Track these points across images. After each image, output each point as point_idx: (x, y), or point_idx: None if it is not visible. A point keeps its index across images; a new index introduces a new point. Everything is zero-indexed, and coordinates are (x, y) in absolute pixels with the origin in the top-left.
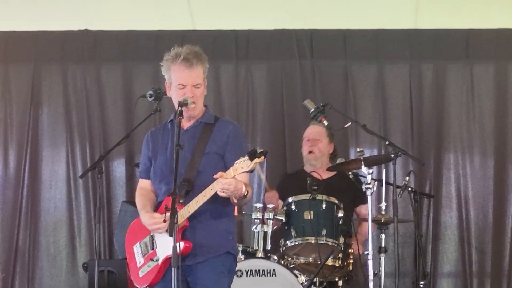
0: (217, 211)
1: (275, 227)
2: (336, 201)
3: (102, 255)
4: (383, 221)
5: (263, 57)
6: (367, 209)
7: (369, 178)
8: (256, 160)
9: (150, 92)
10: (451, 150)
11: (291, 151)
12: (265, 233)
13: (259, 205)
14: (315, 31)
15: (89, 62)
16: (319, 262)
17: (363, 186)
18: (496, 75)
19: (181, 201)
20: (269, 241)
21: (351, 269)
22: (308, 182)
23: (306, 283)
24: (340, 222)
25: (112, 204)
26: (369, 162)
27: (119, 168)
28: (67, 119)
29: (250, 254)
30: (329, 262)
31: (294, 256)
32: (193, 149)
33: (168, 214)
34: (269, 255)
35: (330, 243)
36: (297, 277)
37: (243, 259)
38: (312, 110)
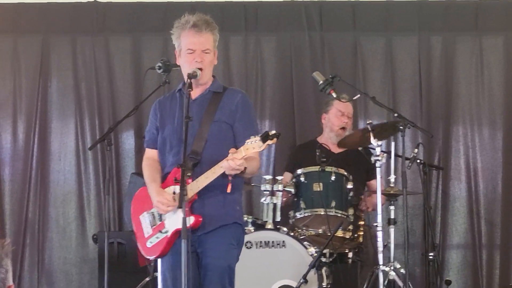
0: (223, 184)
1: (284, 199)
2: (345, 173)
3: (111, 227)
4: (392, 193)
5: (272, 29)
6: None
7: (378, 150)
8: (269, 142)
9: (159, 64)
10: (460, 122)
11: (300, 123)
12: (275, 205)
13: (269, 177)
14: (324, 3)
15: (98, 34)
16: (328, 234)
17: (372, 159)
18: (505, 47)
19: (188, 174)
20: (278, 213)
21: (361, 240)
22: (317, 154)
23: (315, 254)
24: (349, 194)
25: (121, 176)
26: (378, 134)
27: (128, 140)
28: (76, 91)
29: (259, 226)
30: (339, 233)
31: (304, 228)
32: (201, 119)
33: (177, 190)
34: (278, 226)
35: (339, 215)
36: (306, 248)
37: (252, 230)
38: (321, 82)
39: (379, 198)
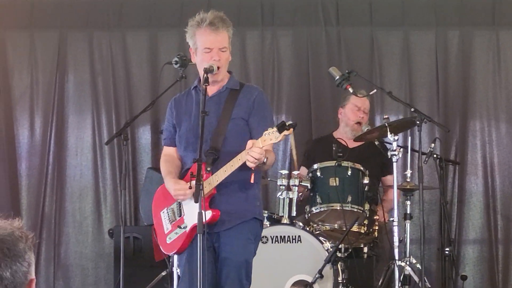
0: (243, 178)
1: (300, 194)
2: (362, 168)
3: (127, 222)
4: (408, 188)
5: (289, 24)
6: (393, 179)
7: (394, 145)
8: (285, 132)
9: (176, 59)
10: (477, 117)
11: (316, 118)
12: (290, 200)
13: (285, 171)
14: None
15: (114, 29)
16: (344, 229)
17: (389, 153)
18: None
19: (208, 169)
20: (294, 208)
21: (376, 235)
22: (334, 148)
23: (331, 249)
24: (365, 189)
25: (138, 171)
26: (395, 128)
27: (144, 135)
28: (93, 86)
29: (275, 221)
30: (355, 228)
31: (320, 223)
32: (218, 115)
33: (193, 181)
34: (294, 221)
35: (355, 210)
36: (322, 243)
37: (268, 225)
38: (338, 77)
39: (395, 193)
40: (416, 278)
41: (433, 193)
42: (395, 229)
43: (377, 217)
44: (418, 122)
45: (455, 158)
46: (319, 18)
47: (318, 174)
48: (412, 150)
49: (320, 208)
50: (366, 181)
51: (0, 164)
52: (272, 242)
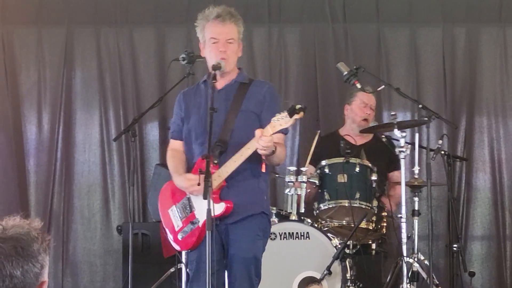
0: (252, 170)
1: (308, 190)
2: (370, 165)
3: (136, 218)
4: (416, 184)
5: (296, 20)
6: (400, 175)
7: (402, 141)
8: (296, 116)
9: (183, 55)
10: (484, 113)
11: (324, 114)
12: (299, 196)
13: (293, 168)
14: None
15: (122, 25)
16: (352, 225)
17: (396, 150)
18: None
19: (215, 161)
20: (302, 204)
21: (384, 232)
22: (342, 145)
23: (339, 246)
24: (373, 185)
25: (146, 167)
26: (403, 126)
27: (152, 131)
28: (100, 82)
29: (283, 217)
30: (363, 225)
31: (328, 219)
32: (227, 109)
33: (202, 176)
34: (302, 218)
35: (363, 206)
36: (330, 240)
37: (276, 222)
38: (346, 73)
39: (403, 189)
40: (424, 275)
41: (441, 190)
42: (403, 225)
43: (385, 213)
44: (426, 120)
45: (463, 154)
46: (326, 15)
47: (326, 170)
48: (420, 146)
49: (329, 204)
50: (374, 177)
51: (8, 161)
52: (281, 239)
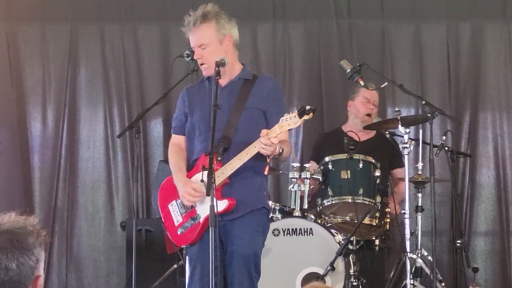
0: (255, 168)
1: (312, 187)
2: (373, 161)
3: (139, 214)
4: (420, 180)
5: (300, 16)
6: (403, 172)
7: (406, 137)
8: (305, 117)
9: (187, 52)
10: (488, 109)
11: (328, 111)
12: (302, 192)
13: (296, 164)
14: None
15: (126, 22)
16: (356, 221)
17: (400, 146)
18: None
19: (218, 158)
20: (306, 200)
21: (387, 228)
22: (345, 141)
23: (343, 241)
24: (377, 182)
25: (150, 164)
26: (406, 122)
27: (156, 128)
28: (104, 79)
29: (287, 213)
30: (366, 221)
31: (331, 215)
32: (231, 106)
33: (205, 173)
34: (306, 214)
35: (367, 202)
36: (334, 236)
37: (280, 218)
38: (349, 70)
39: (406, 185)
40: (427, 270)
41: (445, 186)
42: (407, 221)
43: (389, 210)
44: (429, 116)
45: (467, 150)
46: (331, 11)
47: (330, 167)
48: (424, 142)
49: (332, 200)
50: (377, 173)
51: (13, 157)
52: (284, 235)
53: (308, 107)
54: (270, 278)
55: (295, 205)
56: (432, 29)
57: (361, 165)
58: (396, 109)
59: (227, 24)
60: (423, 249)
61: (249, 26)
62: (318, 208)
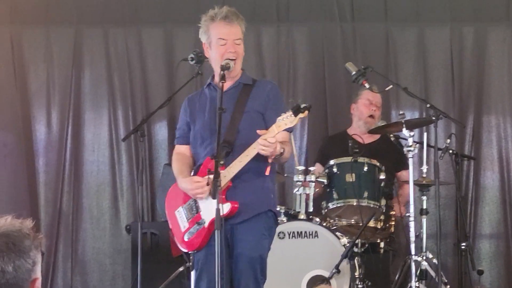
0: (258, 170)
1: (317, 189)
2: (378, 164)
3: (144, 217)
4: (424, 183)
5: (304, 19)
6: (408, 174)
7: (410, 140)
8: (301, 115)
9: (192, 55)
10: (492, 112)
11: (332, 114)
12: (307, 195)
13: (301, 167)
14: None
15: (130, 25)
16: (360, 224)
17: (405, 149)
18: None
19: (221, 162)
20: (311, 203)
21: (392, 230)
22: (350, 144)
23: (348, 244)
24: (381, 185)
25: (154, 167)
26: (411, 125)
27: (161, 131)
28: (109, 82)
29: (292, 216)
30: (371, 224)
31: (336, 218)
32: (232, 110)
33: (211, 176)
34: (311, 217)
35: (371, 205)
36: (339, 238)
37: (285, 221)
38: (354, 73)
39: (411, 188)
40: (432, 273)
41: (449, 188)
42: (412, 224)
43: (394, 212)
44: (434, 119)
45: (471, 153)
46: (334, 14)
47: (335, 170)
48: (428, 145)
49: (337, 203)
50: (382, 176)
51: (18, 161)
52: (289, 238)
53: (302, 105)
54: (276, 281)
55: (300, 208)
56: (436, 33)
57: (366, 168)
58: (401, 112)
59: (245, 30)
60: (428, 252)
61: (253, 29)
62: (323, 211)
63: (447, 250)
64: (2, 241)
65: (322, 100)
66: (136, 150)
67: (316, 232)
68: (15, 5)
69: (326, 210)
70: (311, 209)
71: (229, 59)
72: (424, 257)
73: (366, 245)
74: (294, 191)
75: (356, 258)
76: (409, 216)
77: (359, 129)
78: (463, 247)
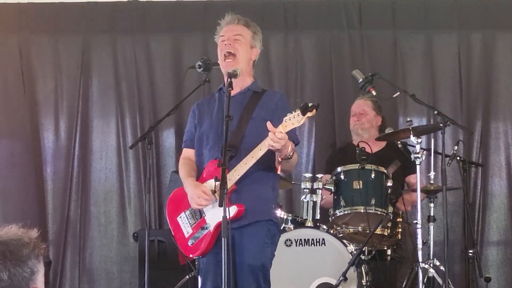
0: (262, 176)
1: (324, 197)
2: (385, 171)
3: (152, 225)
4: (432, 189)
5: (312, 27)
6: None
7: (417, 147)
8: (309, 114)
9: (199, 63)
10: (500, 118)
11: (340, 122)
12: (314, 203)
13: (308, 175)
14: (364, 1)
15: (138, 33)
16: (368, 231)
17: (412, 156)
18: None
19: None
20: (318, 211)
21: (399, 238)
22: (357, 152)
23: (355, 252)
24: (389, 192)
25: (162, 174)
26: (418, 132)
27: (168, 139)
28: (117, 90)
29: (299, 224)
30: (378, 231)
31: (343, 225)
32: (239, 115)
33: (217, 183)
34: (318, 224)
35: (379, 212)
36: (346, 246)
37: (292, 228)
38: (361, 80)
39: (418, 195)
40: (440, 280)
41: (457, 195)
42: (419, 231)
43: (400, 220)
44: (441, 125)
45: (478, 160)
46: (342, 22)
47: (342, 177)
48: (436, 152)
49: (344, 211)
50: (389, 183)
51: (26, 169)
52: (296, 245)
53: (310, 104)
54: None
55: (307, 215)
56: (443, 39)
57: (373, 175)
58: (408, 119)
59: (259, 42)
60: (435, 259)
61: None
62: (330, 219)
63: (455, 257)
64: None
65: (330, 107)
66: (143, 158)
67: (323, 239)
68: (23, 13)
69: (333, 218)
70: (318, 217)
71: (227, 52)
72: (431, 264)
73: (373, 253)
74: (302, 198)
75: (363, 265)
76: (416, 223)
77: (359, 138)
78: (470, 254)
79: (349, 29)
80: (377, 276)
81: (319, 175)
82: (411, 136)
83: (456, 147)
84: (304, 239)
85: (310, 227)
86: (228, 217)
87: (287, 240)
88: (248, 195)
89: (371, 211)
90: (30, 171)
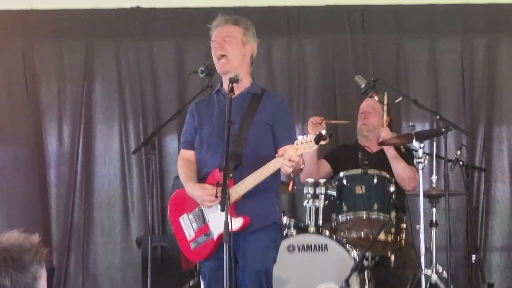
0: (267, 184)
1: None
2: (388, 176)
3: (155, 231)
4: (434, 194)
5: (315, 32)
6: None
7: (420, 152)
8: (322, 142)
9: (202, 68)
10: (503, 123)
11: (342, 127)
12: (317, 208)
13: (311, 180)
14: (366, 7)
15: (141, 38)
16: (371, 237)
17: (415, 160)
18: None
19: (230, 175)
20: (320, 216)
21: (403, 244)
22: (360, 156)
23: (358, 257)
24: (392, 197)
25: (165, 180)
26: (421, 137)
27: (171, 144)
28: (120, 95)
29: (301, 229)
30: (381, 237)
31: (346, 231)
32: (240, 119)
33: (219, 189)
34: (320, 230)
35: (381, 218)
36: (349, 251)
37: (294, 234)
38: (363, 85)
39: (421, 199)
40: (442, 286)
41: (459, 200)
42: (421, 236)
43: (404, 225)
44: (443, 130)
45: (481, 164)
46: (345, 26)
47: (344, 182)
48: (438, 157)
49: (347, 216)
50: (392, 188)
51: (30, 174)
52: (299, 251)
53: (324, 132)
54: None
55: (309, 220)
56: (447, 44)
57: (375, 180)
58: (411, 124)
59: (253, 36)
60: (438, 265)
61: (263, 41)
62: (333, 224)
63: (458, 263)
64: (1, 255)
65: (333, 111)
66: (146, 163)
67: (326, 245)
68: (26, 18)
69: (336, 223)
70: (320, 222)
71: (220, 54)
72: (434, 270)
73: (376, 258)
74: (304, 204)
75: (366, 271)
76: (419, 228)
77: (364, 138)
78: (473, 260)
79: (352, 34)
80: (380, 282)
81: (321, 180)
82: (414, 141)
83: (459, 152)
84: (307, 245)
85: (312, 232)
86: (233, 228)
87: (289, 245)
88: (253, 203)
89: (373, 216)
90: (33, 176)
